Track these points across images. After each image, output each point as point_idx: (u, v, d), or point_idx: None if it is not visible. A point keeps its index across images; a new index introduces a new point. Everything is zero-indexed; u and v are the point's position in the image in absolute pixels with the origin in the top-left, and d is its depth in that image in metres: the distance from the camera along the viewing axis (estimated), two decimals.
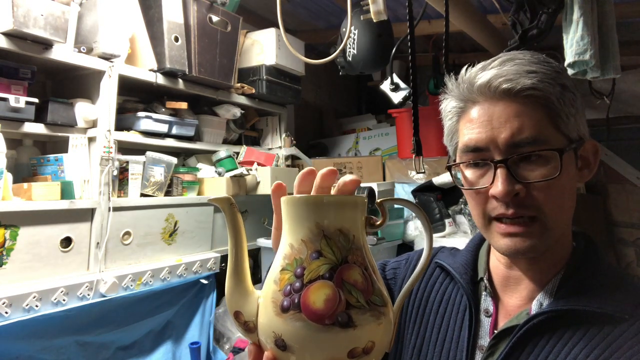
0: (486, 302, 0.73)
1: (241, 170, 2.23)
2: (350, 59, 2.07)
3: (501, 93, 0.64)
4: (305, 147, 3.16)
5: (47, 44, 1.55)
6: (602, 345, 0.61)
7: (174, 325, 2.00)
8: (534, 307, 0.68)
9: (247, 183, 2.27)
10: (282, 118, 2.65)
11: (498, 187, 0.63)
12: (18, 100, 1.49)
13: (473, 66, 0.68)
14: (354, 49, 2.04)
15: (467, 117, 0.68)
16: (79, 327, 1.66)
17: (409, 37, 1.62)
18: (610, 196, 3.60)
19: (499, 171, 0.64)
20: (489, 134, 0.65)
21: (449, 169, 0.73)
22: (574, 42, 1.42)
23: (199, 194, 2.14)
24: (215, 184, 2.16)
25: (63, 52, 1.61)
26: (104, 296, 1.66)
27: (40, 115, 1.59)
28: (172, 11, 1.90)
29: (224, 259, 2.16)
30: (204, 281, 2.07)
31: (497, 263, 0.75)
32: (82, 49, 1.68)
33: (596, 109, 3.47)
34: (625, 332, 0.62)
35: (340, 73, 2.19)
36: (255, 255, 2.50)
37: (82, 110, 1.69)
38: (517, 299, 0.72)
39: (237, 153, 2.36)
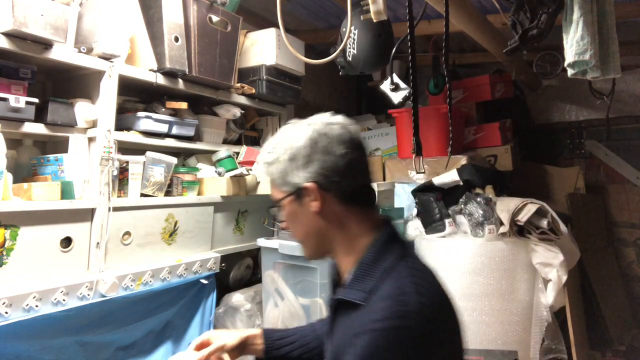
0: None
1: (241, 170, 2.23)
2: (350, 59, 2.07)
3: None
4: None
5: (47, 44, 1.55)
6: (345, 326, 0.92)
7: (174, 325, 2.00)
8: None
9: (247, 183, 2.27)
10: (282, 118, 2.65)
11: None
12: (18, 100, 1.49)
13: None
14: (354, 49, 2.04)
15: None
16: (79, 327, 1.66)
17: (409, 37, 1.62)
18: (610, 196, 3.60)
19: None
20: None
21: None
22: (574, 42, 1.42)
23: (199, 194, 2.14)
24: (215, 184, 2.16)
25: (63, 52, 1.61)
26: (104, 296, 1.66)
27: (40, 115, 1.59)
28: (172, 11, 1.90)
29: (224, 259, 2.16)
30: (204, 281, 2.07)
31: None
32: (82, 49, 1.68)
33: (596, 109, 3.48)
34: (355, 314, 0.90)
35: (340, 73, 2.19)
36: (255, 255, 2.51)
37: (82, 110, 1.69)
38: None
39: (237, 153, 2.36)
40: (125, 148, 1.88)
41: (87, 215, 1.67)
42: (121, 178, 1.80)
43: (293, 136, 1.01)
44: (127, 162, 1.81)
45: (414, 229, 2.45)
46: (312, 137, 0.99)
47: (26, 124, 1.55)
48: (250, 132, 2.61)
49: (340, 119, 1.04)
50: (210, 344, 1.15)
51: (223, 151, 2.26)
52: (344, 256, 1.01)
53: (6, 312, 1.39)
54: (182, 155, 2.27)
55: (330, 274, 1.13)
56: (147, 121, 1.88)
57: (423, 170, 1.69)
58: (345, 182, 0.98)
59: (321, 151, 0.97)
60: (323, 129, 1.00)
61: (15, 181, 1.54)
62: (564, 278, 2.11)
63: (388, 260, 0.94)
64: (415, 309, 0.83)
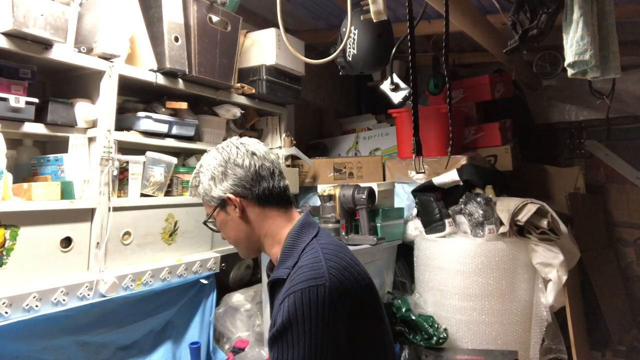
0: None
1: None
2: (350, 59, 2.07)
3: None
4: (305, 147, 3.16)
5: (47, 44, 1.55)
6: (278, 299, 1.09)
7: (174, 325, 2.00)
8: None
9: None
10: (282, 118, 2.65)
11: None
12: (18, 100, 1.49)
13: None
14: (354, 49, 2.04)
15: None
16: (79, 327, 1.66)
17: (409, 37, 1.62)
18: (610, 196, 3.60)
19: None
20: None
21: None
22: (574, 42, 1.42)
23: None
24: None
25: (63, 52, 1.61)
26: (104, 296, 1.66)
27: (40, 115, 1.59)
28: (172, 11, 1.90)
29: (224, 259, 2.16)
30: (204, 281, 2.07)
31: None
32: (82, 49, 1.68)
33: (596, 109, 3.48)
34: (283, 287, 1.08)
35: (340, 73, 2.19)
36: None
37: (82, 110, 1.69)
38: None
39: None
40: (125, 148, 1.88)
41: (87, 215, 1.67)
42: (121, 178, 1.80)
43: (209, 160, 1.23)
44: (127, 162, 1.81)
45: (414, 229, 2.45)
46: (224, 158, 1.21)
47: (26, 124, 1.55)
48: (250, 132, 2.61)
49: (245, 139, 1.26)
50: None
51: None
52: (272, 248, 1.24)
53: (6, 312, 1.39)
54: (182, 155, 2.27)
55: (266, 268, 1.38)
56: (147, 121, 1.88)
57: (423, 170, 1.69)
58: (257, 187, 1.20)
59: (232, 167, 1.20)
60: (232, 150, 1.21)
61: (15, 181, 1.54)
62: (564, 278, 2.12)
63: (303, 241, 1.16)
64: (326, 272, 1.04)
